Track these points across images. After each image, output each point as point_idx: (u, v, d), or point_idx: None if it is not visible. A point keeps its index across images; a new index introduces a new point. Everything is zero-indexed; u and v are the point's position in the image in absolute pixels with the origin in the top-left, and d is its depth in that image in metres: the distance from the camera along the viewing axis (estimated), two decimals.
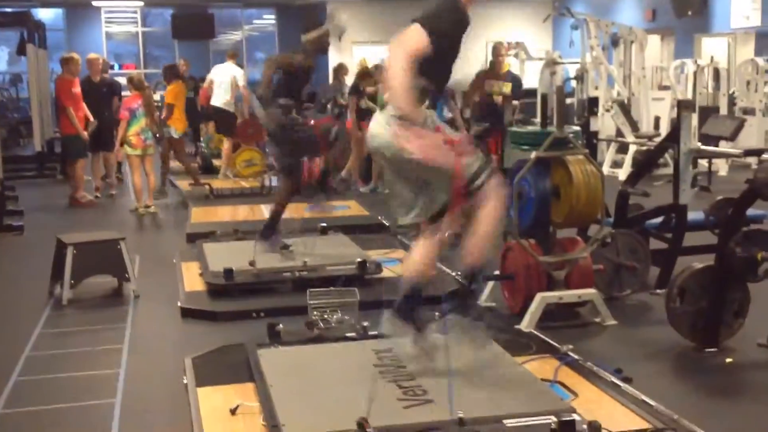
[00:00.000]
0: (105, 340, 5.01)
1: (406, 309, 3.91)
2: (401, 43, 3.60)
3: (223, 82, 11.70)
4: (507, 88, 8.58)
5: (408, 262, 4.04)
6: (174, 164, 13.25)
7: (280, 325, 4.47)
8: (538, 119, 12.31)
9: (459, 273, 3.96)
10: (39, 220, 8.98)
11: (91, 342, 5.00)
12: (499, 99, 8.53)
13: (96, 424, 3.84)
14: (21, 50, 13.77)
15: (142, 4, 20.40)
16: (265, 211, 8.76)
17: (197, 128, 14.41)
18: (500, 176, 3.87)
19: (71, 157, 9.86)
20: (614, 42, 12.49)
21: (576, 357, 4.23)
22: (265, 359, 4.10)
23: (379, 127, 3.80)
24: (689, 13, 15.81)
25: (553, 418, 3.30)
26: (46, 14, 20.65)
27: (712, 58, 13.28)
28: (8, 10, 16.43)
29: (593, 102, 6.29)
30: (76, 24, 20.97)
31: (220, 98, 11.71)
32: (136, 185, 9.31)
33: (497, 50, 8.91)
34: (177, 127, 10.28)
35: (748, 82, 12.36)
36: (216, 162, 12.57)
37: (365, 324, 4.55)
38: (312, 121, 6.58)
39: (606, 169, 11.47)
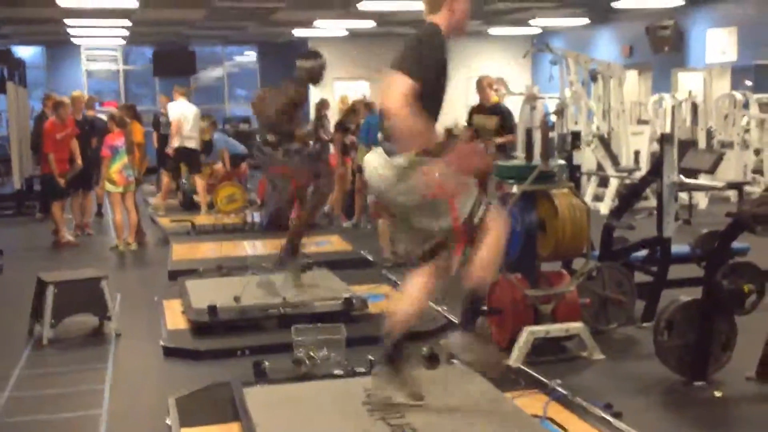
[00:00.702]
0: (86, 381, 4.92)
1: (397, 354, 3.77)
2: (390, 96, 3.48)
3: (189, 119, 11.67)
4: (491, 121, 8.54)
5: (401, 304, 3.85)
6: (156, 201, 13.24)
7: (266, 363, 4.41)
8: (518, 153, 12.40)
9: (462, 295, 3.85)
10: (18, 259, 8.86)
11: (73, 382, 4.91)
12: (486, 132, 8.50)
13: None
14: (1, 88, 13.72)
15: (123, 42, 20.42)
16: (247, 247, 8.73)
17: (178, 166, 14.37)
18: (497, 207, 3.83)
19: (51, 197, 9.74)
20: (593, 77, 12.60)
21: (565, 392, 4.19)
22: (251, 398, 4.04)
23: (384, 173, 3.71)
24: (666, 48, 16.03)
25: None
26: (26, 51, 20.63)
27: (690, 92, 13.44)
28: None
29: (576, 136, 6.32)
30: (56, 61, 20.96)
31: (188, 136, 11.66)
32: (117, 222, 9.24)
33: (479, 83, 8.92)
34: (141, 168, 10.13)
35: (726, 116, 12.50)
36: (196, 198, 12.52)
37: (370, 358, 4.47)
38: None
39: (587, 202, 11.51)
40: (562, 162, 5.30)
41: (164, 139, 14.03)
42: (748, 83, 15.27)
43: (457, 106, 15.98)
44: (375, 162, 3.76)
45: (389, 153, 3.69)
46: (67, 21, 14.99)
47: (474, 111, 8.91)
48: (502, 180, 5.40)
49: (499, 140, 7.85)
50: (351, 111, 10.89)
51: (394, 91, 3.48)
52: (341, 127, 10.82)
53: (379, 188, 3.79)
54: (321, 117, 12.03)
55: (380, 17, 16.06)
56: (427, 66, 3.60)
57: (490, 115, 8.59)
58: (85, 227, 10.51)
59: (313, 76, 6.49)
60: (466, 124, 8.93)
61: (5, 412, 4.44)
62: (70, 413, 4.40)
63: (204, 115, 15.43)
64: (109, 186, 9.11)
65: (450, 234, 3.68)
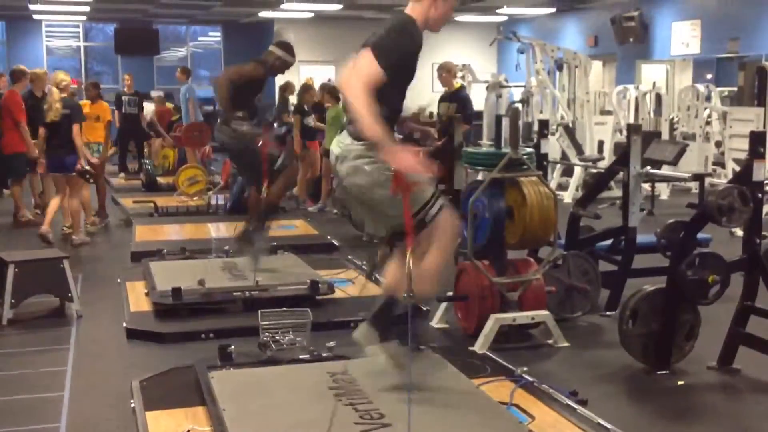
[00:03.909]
0: (48, 362, 4.84)
1: (384, 319, 3.83)
2: (355, 74, 3.46)
3: None
4: (450, 109, 8.58)
5: (389, 273, 3.93)
6: (118, 182, 13.07)
7: (232, 347, 4.37)
8: (483, 141, 12.43)
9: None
10: None
11: (34, 364, 4.83)
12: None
13: None
14: None
15: (84, 18, 20.07)
16: (212, 229, 8.65)
17: (141, 145, 14.24)
18: (452, 210, 3.79)
19: (15, 177, 9.53)
20: (559, 66, 12.68)
21: (531, 379, 4.22)
22: (217, 382, 4.00)
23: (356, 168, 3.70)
24: (630, 39, 16.15)
25: None
26: None
27: (654, 84, 13.56)
28: None
29: (544, 124, 6.32)
30: (16, 37, 20.56)
31: None
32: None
33: (439, 70, 8.94)
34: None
35: (688, 108, 12.65)
36: (160, 179, 12.39)
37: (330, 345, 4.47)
38: (261, 142, 6.38)
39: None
40: (531, 150, 5.31)
41: (127, 118, 13.88)
42: (709, 77, 15.47)
43: (423, 93, 15.97)
44: (337, 144, 3.78)
45: (353, 136, 3.68)
46: None
47: (440, 99, 8.94)
48: (471, 166, 5.40)
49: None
50: (305, 91, 10.86)
51: (359, 71, 3.46)
52: (299, 110, 10.76)
53: (338, 172, 3.80)
54: (285, 101, 11.95)
55: (347, 0, 15.96)
56: (398, 57, 3.59)
57: (450, 103, 8.64)
58: (45, 206, 10.30)
59: (280, 66, 6.40)
60: (436, 112, 8.97)
61: None
62: (31, 395, 4.33)
63: (166, 95, 15.29)
64: None
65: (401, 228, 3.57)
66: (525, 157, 5.09)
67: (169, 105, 14.28)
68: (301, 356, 4.42)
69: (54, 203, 8.40)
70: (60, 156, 8.26)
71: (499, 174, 4.96)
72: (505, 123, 6.07)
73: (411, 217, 3.48)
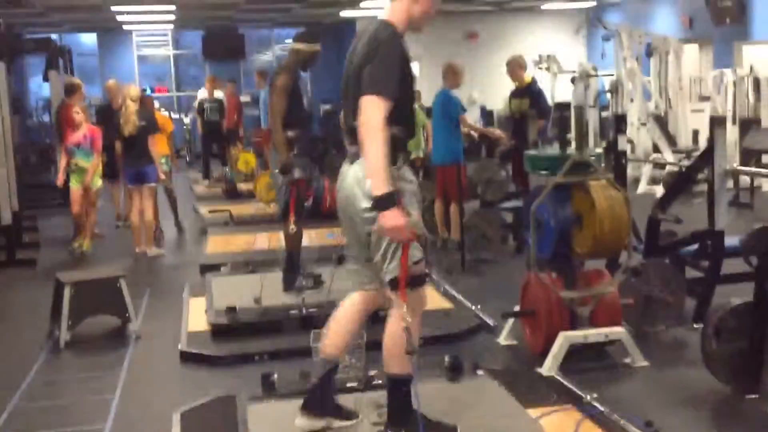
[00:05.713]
0: (97, 389, 4.69)
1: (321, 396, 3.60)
2: (369, 128, 3.18)
3: None
4: (524, 105, 8.13)
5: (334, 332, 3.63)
6: (200, 189, 13.05)
7: (275, 375, 4.12)
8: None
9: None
10: (55, 253, 8.73)
11: (82, 391, 4.71)
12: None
13: None
14: (46, 76, 13.76)
15: (172, 26, 20.34)
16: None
17: (224, 151, 14.23)
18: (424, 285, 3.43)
19: None
20: (648, 52, 12.01)
21: (601, 408, 3.81)
22: (254, 416, 3.76)
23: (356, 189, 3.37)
24: (727, 20, 15.24)
25: None
26: (87, 38, 20.78)
27: (751, 67, 12.71)
28: (35, 36, 16.42)
29: (620, 119, 5.84)
30: (109, 48, 21.01)
31: None
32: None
33: (508, 65, 8.44)
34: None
35: None
36: (241, 186, 12.33)
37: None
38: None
39: (643, 186, 10.99)
40: (599, 151, 4.86)
41: (210, 125, 13.83)
42: None
43: (505, 89, 15.54)
44: (352, 174, 3.40)
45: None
46: (113, 8, 14.87)
47: (512, 95, 8.51)
48: (534, 171, 4.99)
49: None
50: None
51: (373, 115, 3.17)
52: None
53: (344, 201, 3.45)
54: None
55: None
56: (397, 81, 3.28)
57: (522, 99, 8.21)
58: (126, 218, 10.31)
59: (310, 58, 5.98)
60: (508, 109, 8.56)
61: (7, 424, 4.24)
62: (71, 427, 4.18)
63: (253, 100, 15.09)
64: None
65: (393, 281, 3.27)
66: (592, 158, 4.67)
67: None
68: (348, 385, 4.12)
69: (136, 219, 8.39)
70: (138, 168, 8.28)
71: (563, 179, 4.54)
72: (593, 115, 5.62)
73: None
